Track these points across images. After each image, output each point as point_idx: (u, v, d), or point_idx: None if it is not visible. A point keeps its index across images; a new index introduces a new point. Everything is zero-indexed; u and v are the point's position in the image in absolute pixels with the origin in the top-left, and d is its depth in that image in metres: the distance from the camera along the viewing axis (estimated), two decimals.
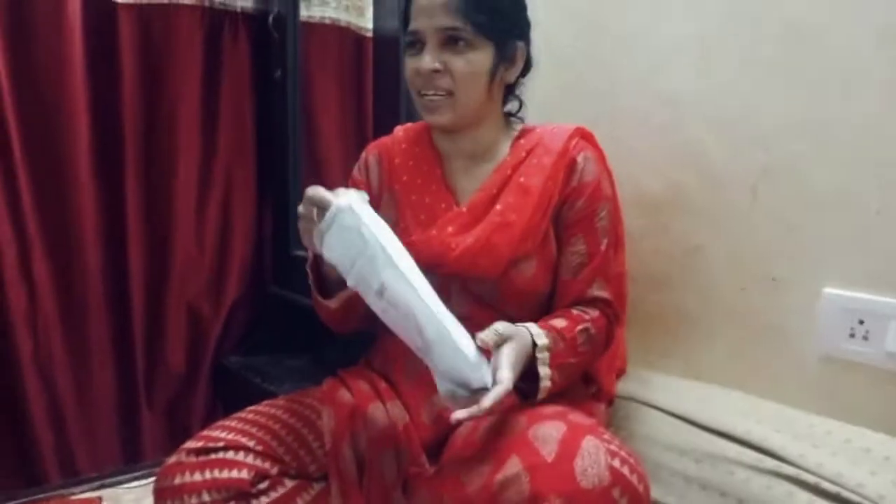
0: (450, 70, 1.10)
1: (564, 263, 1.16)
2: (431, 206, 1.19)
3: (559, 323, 1.09)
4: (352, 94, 2.26)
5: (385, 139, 1.30)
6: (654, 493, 0.96)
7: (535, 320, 1.16)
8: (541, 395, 1.04)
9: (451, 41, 1.09)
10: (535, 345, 1.03)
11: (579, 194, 1.14)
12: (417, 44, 1.12)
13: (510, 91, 1.22)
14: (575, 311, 1.13)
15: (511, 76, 1.18)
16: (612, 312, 1.17)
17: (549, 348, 1.04)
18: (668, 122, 1.30)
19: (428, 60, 1.10)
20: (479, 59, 1.11)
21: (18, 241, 1.73)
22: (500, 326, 1.00)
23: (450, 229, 1.15)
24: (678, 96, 1.28)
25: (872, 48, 1.06)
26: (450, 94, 1.11)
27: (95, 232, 1.84)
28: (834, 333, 1.12)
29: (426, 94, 1.12)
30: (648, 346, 1.35)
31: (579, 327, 1.10)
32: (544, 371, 1.03)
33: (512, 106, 1.25)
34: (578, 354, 1.09)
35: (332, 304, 1.15)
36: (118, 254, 1.89)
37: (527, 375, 1.03)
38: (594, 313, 1.14)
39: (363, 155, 1.30)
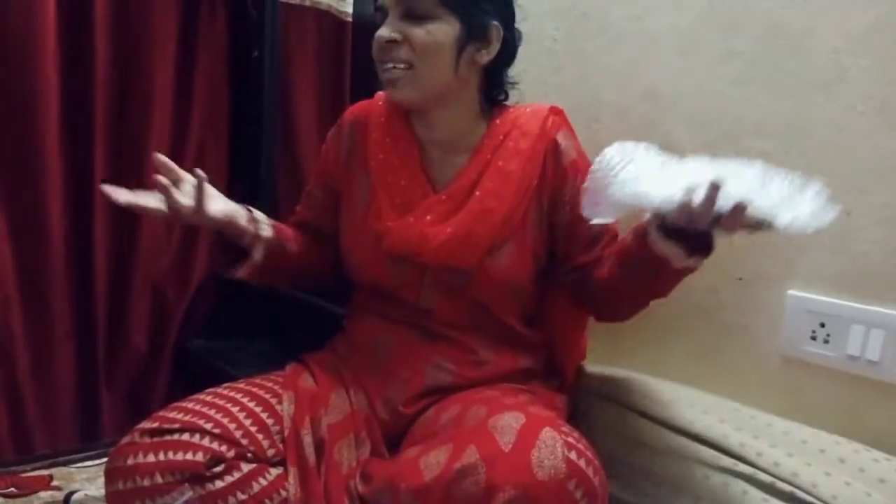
0: (409, 40, 1.07)
1: (576, 240, 1.15)
2: (407, 190, 1.16)
3: None
4: (330, 77, 2.24)
5: (365, 105, 1.26)
6: (611, 487, 0.96)
7: (510, 311, 1.16)
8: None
9: (411, 12, 1.07)
10: None
11: (572, 173, 1.14)
12: (383, 18, 1.10)
13: (493, 79, 1.18)
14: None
15: (483, 57, 1.13)
16: None
17: None
18: (645, 117, 1.30)
19: (386, 30, 1.08)
20: (442, 30, 1.08)
21: None
22: None
23: (428, 218, 1.12)
24: (656, 92, 1.28)
25: (850, 50, 1.07)
26: (410, 65, 1.08)
27: (60, 208, 1.80)
28: (796, 335, 1.13)
29: (385, 66, 1.10)
30: (613, 340, 1.35)
31: None
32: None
33: (497, 96, 1.21)
34: None
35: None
36: (83, 231, 1.85)
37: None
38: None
39: (340, 121, 1.27)
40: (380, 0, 1.10)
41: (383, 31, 1.08)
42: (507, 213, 1.11)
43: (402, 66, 1.08)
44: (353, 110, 1.26)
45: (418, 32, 1.07)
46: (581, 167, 1.14)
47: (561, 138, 1.15)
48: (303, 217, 1.33)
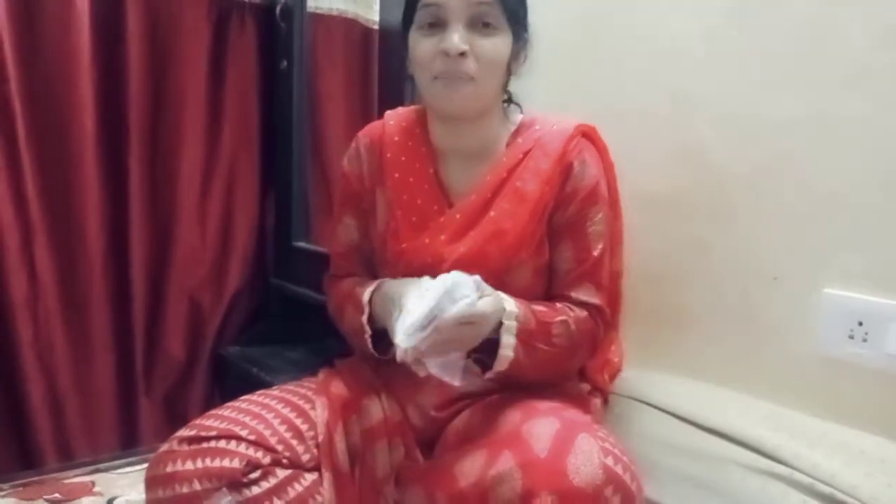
0: (477, 53, 1.05)
1: (554, 268, 1.14)
2: (423, 208, 1.15)
3: (537, 306, 1.08)
4: (358, 86, 2.25)
5: (376, 126, 1.24)
6: (648, 491, 0.95)
7: None
8: (499, 366, 1.02)
9: (478, 21, 1.04)
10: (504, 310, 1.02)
11: (571, 199, 1.12)
12: (436, 22, 1.05)
13: (507, 80, 1.17)
14: (559, 304, 1.12)
15: (519, 68, 1.14)
16: (602, 319, 1.15)
17: (517, 318, 1.03)
18: (671, 118, 1.29)
19: (457, 40, 1.03)
20: (504, 44, 1.07)
21: (21, 226, 1.73)
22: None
23: (442, 237, 1.12)
24: (682, 93, 1.27)
25: (876, 46, 1.05)
26: (472, 79, 1.05)
27: (98, 219, 1.84)
28: (833, 334, 1.11)
29: (447, 78, 1.06)
30: (647, 343, 1.35)
31: (559, 318, 1.08)
32: (507, 340, 1.02)
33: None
34: (552, 344, 1.07)
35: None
36: (120, 242, 1.89)
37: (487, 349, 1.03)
38: (580, 313, 1.12)
39: (354, 144, 1.25)
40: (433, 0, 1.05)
41: (454, 42, 1.02)
42: (521, 236, 1.09)
43: (465, 79, 1.05)
44: (366, 132, 1.24)
45: (486, 45, 1.05)
46: (587, 197, 1.12)
47: (577, 163, 1.12)
48: (348, 262, 1.28)
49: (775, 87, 1.16)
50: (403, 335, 0.94)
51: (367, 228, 1.24)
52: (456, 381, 1.03)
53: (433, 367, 0.98)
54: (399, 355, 0.94)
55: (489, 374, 1.05)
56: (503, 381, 1.10)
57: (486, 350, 1.03)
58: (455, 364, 1.00)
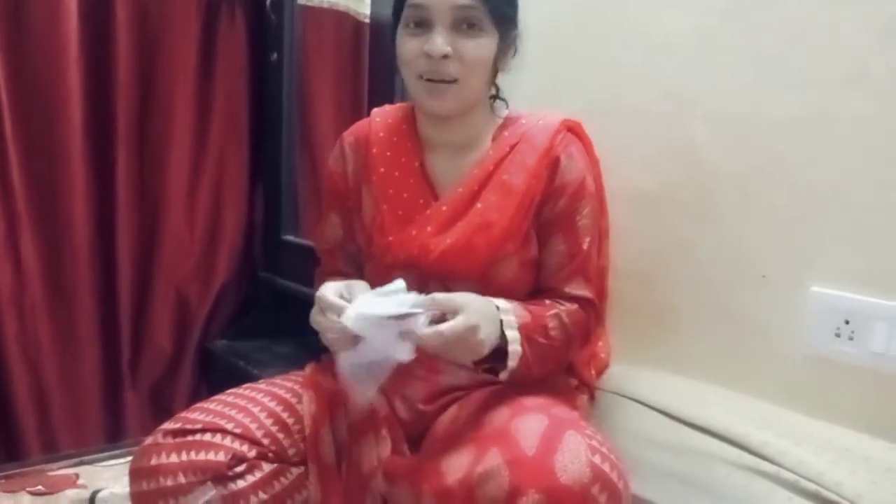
0: (460, 55, 1.05)
1: (545, 262, 1.14)
2: (409, 202, 1.15)
3: (529, 305, 1.08)
4: (348, 79, 2.25)
5: (361, 125, 1.24)
6: (634, 487, 0.95)
7: None
8: (512, 362, 1.01)
9: (462, 23, 1.05)
10: (497, 309, 1.01)
11: (561, 193, 1.12)
12: (422, 22, 1.06)
13: (495, 73, 1.17)
14: (548, 301, 1.12)
15: (505, 64, 1.14)
16: (593, 310, 1.16)
17: (514, 313, 1.02)
18: (664, 116, 1.29)
19: (440, 43, 1.03)
20: (488, 45, 1.07)
21: (6, 219, 1.71)
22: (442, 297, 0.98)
23: (429, 228, 1.12)
24: (675, 91, 1.27)
25: (870, 46, 1.05)
26: (455, 80, 1.06)
27: (85, 212, 1.83)
28: (820, 332, 1.11)
29: (431, 80, 1.06)
30: (634, 340, 1.35)
31: (550, 312, 1.09)
32: (512, 334, 1.01)
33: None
34: (550, 337, 1.07)
35: None
36: (107, 234, 1.88)
37: (497, 356, 1.02)
38: (571, 306, 1.12)
39: (339, 143, 1.25)
40: (421, 0, 1.05)
41: (437, 45, 1.03)
42: (507, 228, 1.09)
43: (449, 80, 1.06)
44: (351, 131, 1.24)
45: (470, 47, 1.05)
46: (576, 192, 1.12)
47: (564, 157, 1.12)
48: (334, 259, 1.28)
49: (769, 86, 1.16)
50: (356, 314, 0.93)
51: (351, 227, 1.24)
52: (359, 399, 1.04)
53: (347, 367, 0.96)
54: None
55: (503, 375, 1.03)
56: (512, 381, 1.07)
57: (490, 357, 1.02)
58: (375, 376, 0.96)
